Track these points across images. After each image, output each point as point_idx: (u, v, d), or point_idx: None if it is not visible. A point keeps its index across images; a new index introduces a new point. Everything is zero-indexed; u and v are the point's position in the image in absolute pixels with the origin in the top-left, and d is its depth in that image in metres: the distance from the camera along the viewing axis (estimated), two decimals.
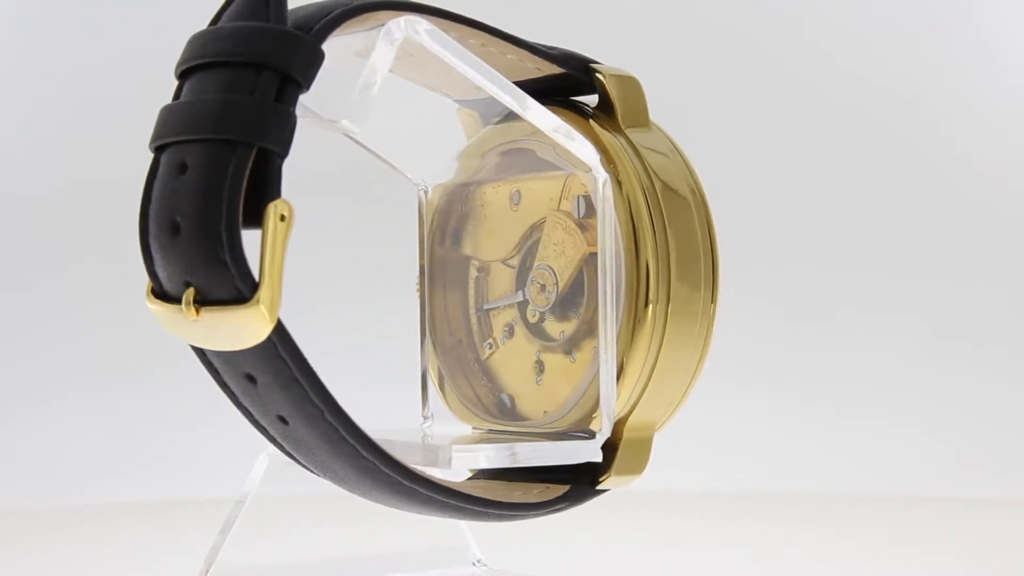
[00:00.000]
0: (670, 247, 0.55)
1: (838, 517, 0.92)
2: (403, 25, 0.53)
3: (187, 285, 0.50)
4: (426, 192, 0.64)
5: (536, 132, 0.58)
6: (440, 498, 0.54)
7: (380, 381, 0.79)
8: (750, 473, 1.04)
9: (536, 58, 0.59)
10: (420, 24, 0.53)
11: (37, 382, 1.07)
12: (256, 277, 0.48)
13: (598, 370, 0.56)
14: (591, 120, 0.58)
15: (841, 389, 1.09)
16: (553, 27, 1.10)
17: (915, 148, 1.14)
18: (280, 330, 0.49)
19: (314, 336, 1.03)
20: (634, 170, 0.57)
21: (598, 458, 0.57)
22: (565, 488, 0.58)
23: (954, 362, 1.09)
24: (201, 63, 0.52)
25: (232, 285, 0.49)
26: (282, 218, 0.49)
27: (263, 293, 0.48)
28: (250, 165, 0.49)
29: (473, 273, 0.62)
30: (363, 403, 0.78)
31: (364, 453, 0.52)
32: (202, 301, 0.49)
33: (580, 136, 0.56)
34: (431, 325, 0.64)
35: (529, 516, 0.58)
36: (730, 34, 1.14)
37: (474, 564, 0.63)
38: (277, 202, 0.49)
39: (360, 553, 0.62)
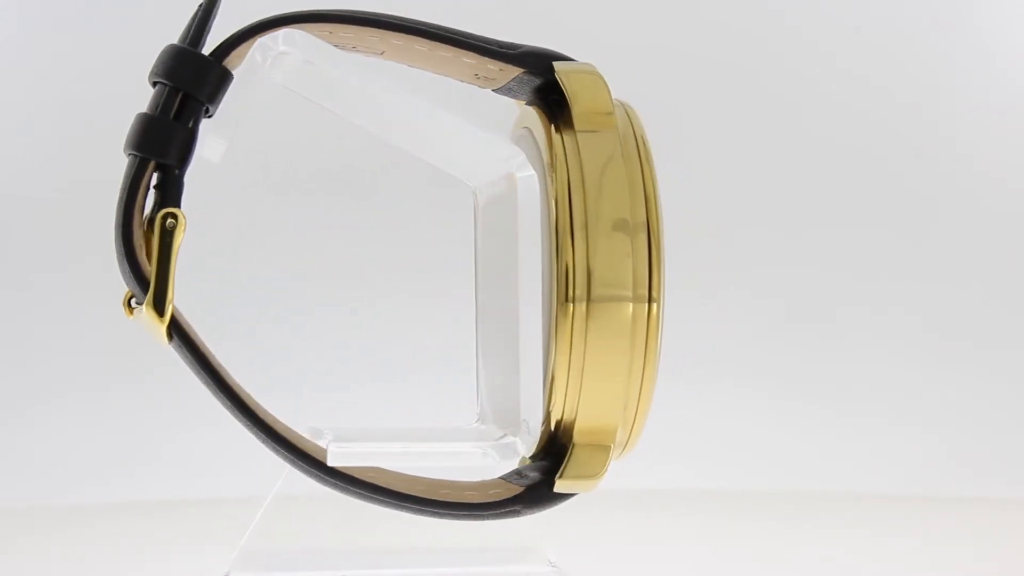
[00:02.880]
0: (592, 249, 0.55)
1: (838, 517, 0.92)
2: (278, 39, 0.56)
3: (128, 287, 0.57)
4: (476, 194, 0.65)
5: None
6: (369, 494, 0.57)
7: (454, 380, 0.79)
8: (749, 472, 1.04)
9: (494, 60, 0.59)
10: (294, 36, 0.56)
11: (37, 382, 1.07)
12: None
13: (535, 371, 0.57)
14: (552, 121, 0.58)
15: (841, 389, 1.09)
16: (553, 27, 1.10)
17: (915, 148, 1.14)
18: (176, 329, 0.56)
19: (389, 333, 1.01)
20: (567, 172, 0.56)
21: (515, 459, 0.58)
22: (519, 490, 0.58)
23: (954, 362, 1.09)
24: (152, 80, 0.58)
25: (137, 288, 0.56)
26: (169, 226, 0.55)
27: (150, 295, 0.55)
28: (146, 177, 0.56)
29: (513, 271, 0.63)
30: (435, 399, 0.77)
31: (279, 447, 0.57)
32: (140, 302, 0.56)
33: (497, 139, 0.57)
34: (482, 325, 0.65)
35: (479, 517, 0.59)
36: (729, 34, 1.14)
37: (550, 565, 0.63)
38: (165, 211, 0.55)
39: (430, 545, 0.62)
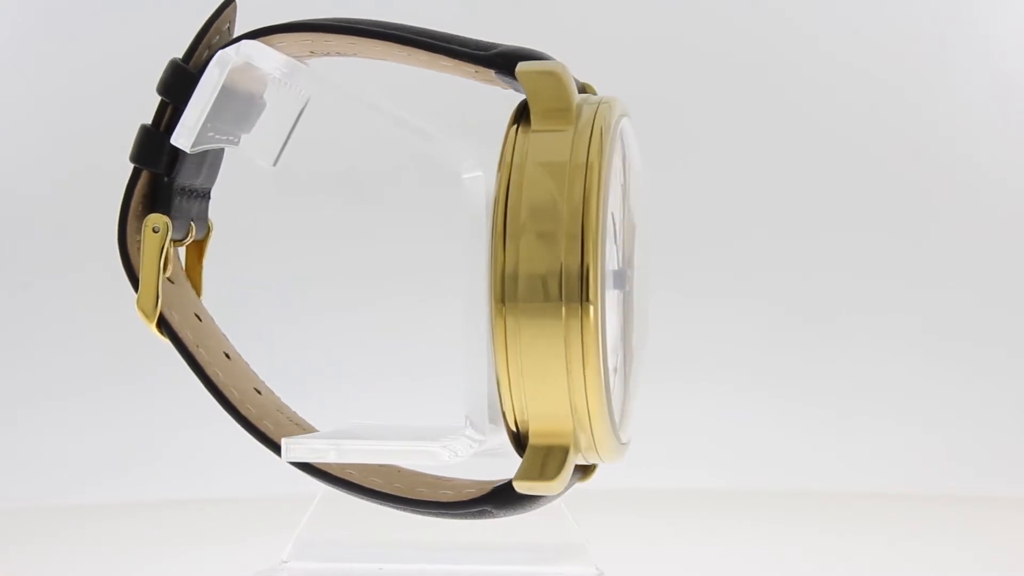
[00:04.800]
0: (523, 252, 0.55)
1: (838, 517, 0.92)
2: (239, 50, 0.60)
3: None
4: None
5: None
6: (344, 491, 0.60)
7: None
8: (749, 472, 1.04)
9: (467, 63, 0.59)
10: (247, 48, 0.60)
11: (37, 382, 1.07)
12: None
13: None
14: (516, 120, 0.58)
15: (841, 389, 1.09)
16: (554, 23, 1.10)
17: (915, 148, 1.14)
18: (164, 327, 0.61)
19: (407, 333, 1.01)
20: (509, 173, 0.56)
21: (446, 459, 0.58)
22: (489, 490, 0.59)
23: (954, 361, 1.09)
24: None
25: (133, 289, 0.61)
26: (154, 231, 0.60)
27: (137, 295, 0.60)
28: (139, 185, 0.61)
29: None
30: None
31: (258, 441, 0.61)
32: None
33: (449, 141, 0.58)
34: None
35: (451, 516, 0.60)
36: (730, 37, 1.14)
37: (596, 569, 0.63)
38: (149, 216, 0.60)
39: (474, 541, 0.63)
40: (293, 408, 0.66)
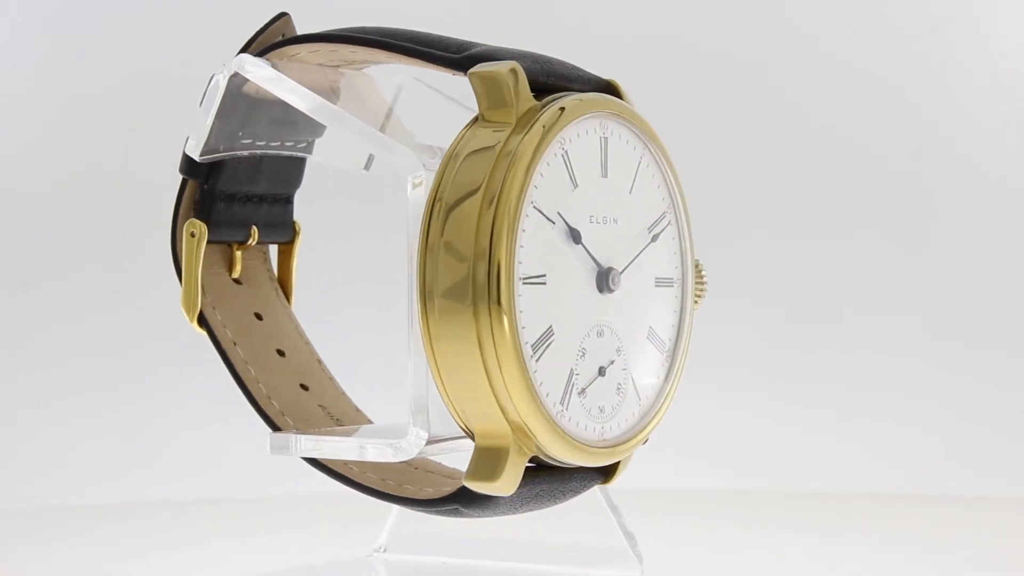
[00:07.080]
0: (440, 255, 0.55)
1: (838, 517, 0.92)
2: (241, 62, 0.62)
3: None
4: None
5: None
6: (344, 486, 0.63)
7: None
8: (749, 472, 1.04)
9: (445, 68, 0.59)
10: (246, 61, 0.62)
11: (37, 382, 1.07)
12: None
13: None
14: (471, 124, 0.58)
15: (841, 389, 1.09)
16: (554, 23, 1.10)
17: (915, 148, 1.14)
18: (203, 324, 0.65)
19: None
20: (441, 175, 0.56)
21: (394, 456, 0.60)
22: (456, 489, 0.59)
23: (954, 361, 1.09)
24: None
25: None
26: (192, 235, 0.64)
27: (181, 294, 0.64)
28: (187, 193, 0.65)
29: None
30: None
31: (270, 428, 0.64)
32: None
33: (398, 146, 0.59)
34: None
35: (429, 512, 0.61)
36: (731, 34, 1.14)
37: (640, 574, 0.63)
38: (188, 221, 0.64)
39: (526, 538, 0.64)
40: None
